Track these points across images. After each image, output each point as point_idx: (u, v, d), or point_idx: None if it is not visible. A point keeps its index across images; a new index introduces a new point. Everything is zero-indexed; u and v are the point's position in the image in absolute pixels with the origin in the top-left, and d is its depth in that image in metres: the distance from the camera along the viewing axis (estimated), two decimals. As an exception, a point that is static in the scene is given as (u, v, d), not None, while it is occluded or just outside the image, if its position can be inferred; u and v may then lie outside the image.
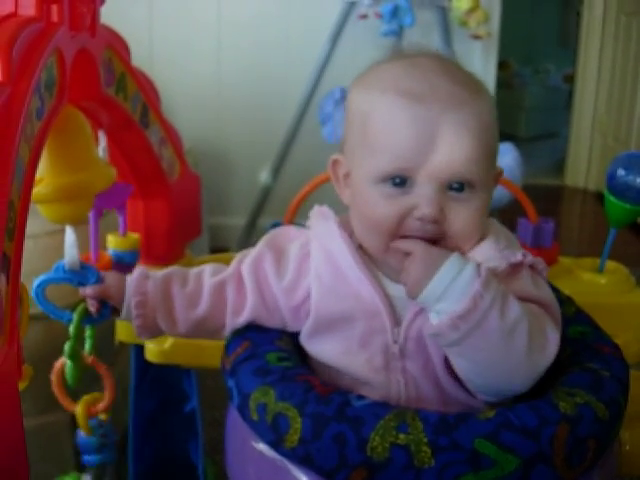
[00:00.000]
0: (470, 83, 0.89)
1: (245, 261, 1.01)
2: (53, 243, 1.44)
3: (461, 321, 0.80)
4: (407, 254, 0.86)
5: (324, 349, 0.97)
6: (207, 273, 1.02)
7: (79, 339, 1.03)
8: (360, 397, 0.83)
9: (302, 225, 1.04)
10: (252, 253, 1.01)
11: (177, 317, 1.00)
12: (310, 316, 0.96)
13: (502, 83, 4.58)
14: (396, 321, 0.92)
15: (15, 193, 0.70)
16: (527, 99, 6.38)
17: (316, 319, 0.95)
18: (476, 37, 2.95)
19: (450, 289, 0.81)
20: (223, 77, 3.13)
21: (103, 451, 1.13)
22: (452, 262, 0.82)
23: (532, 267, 0.90)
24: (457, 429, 0.78)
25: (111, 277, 1.02)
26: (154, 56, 3.02)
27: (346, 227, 0.96)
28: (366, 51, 2.98)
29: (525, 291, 0.87)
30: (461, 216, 0.86)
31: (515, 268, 0.88)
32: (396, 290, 0.92)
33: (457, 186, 0.85)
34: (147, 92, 1.25)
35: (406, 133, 0.84)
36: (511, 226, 1.67)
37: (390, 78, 0.89)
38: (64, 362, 1.05)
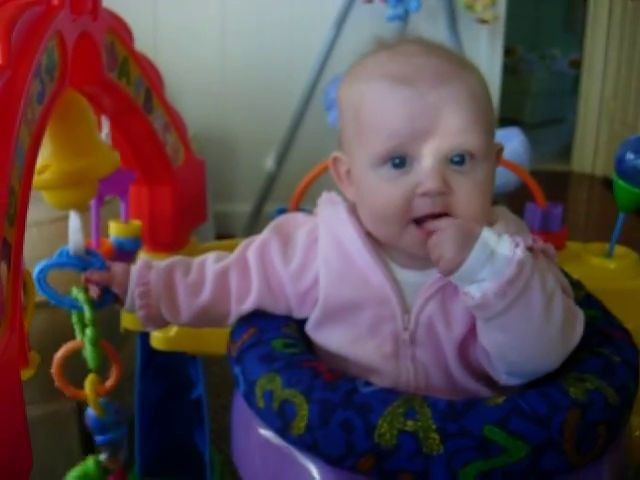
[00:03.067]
0: (455, 59, 0.89)
1: (251, 247, 1.00)
2: (57, 230, 1.43)
3: (509, 287, 0.78)
4: (429, 234, 0.84)
5: (332, 337, 0.96)
6: (210, 261, 1.02)
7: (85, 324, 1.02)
8: (367, 384, 0.83)
9: (309, 212, 1.04)
10: (258, 239, 1.00)
11: (180, 306, 1.00)
12: (318, 303, 0.95)
13: (508, 69, 4.56)
14: (406, 308, 0.91)
15: (16, 178, 0.69)
16: (533, 85, 6.35)
17: (324, 306, 0.95)
18: (482, 21, 2.93)
19: (495, 255, 0.80)
20: (227, 63, 3.12)
21: (117, 428, 1.12)
22: (488, 233, 0.81)
23: (544, 253, 0.88)
24: (466, 415, 0.77)
25: (117, 266, 1.02)
26: (158, 42, 3.00)
27: (355, 213, 0.95)
28: (371, 36, 2.97)
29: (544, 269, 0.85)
30: (466, 188, 0.85)
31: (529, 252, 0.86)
32: (405, 276, 0.92)
33: (458, 159, 0.85)
34: (150, 77, 1.24)
35: (396, 112, 0.84)
36: (519, 211, 1.66)
37: (374, 66, 0.90)
38: (69, 350, 1.04)
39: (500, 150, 0.94)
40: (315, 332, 0.98)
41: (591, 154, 4.70)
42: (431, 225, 0.85)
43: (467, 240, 0.80)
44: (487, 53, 3.09)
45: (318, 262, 0.95)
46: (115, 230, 1.32)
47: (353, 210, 0.95)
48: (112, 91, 1.11)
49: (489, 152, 0.88)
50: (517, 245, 0.80)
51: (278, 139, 3.00)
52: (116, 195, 1.32)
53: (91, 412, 1.09)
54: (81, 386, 1.05)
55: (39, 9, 0.82)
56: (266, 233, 1.01)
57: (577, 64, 5.41)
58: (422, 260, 0.89)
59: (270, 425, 0.87)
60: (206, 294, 0.99)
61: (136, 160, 1.30)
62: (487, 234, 0.81)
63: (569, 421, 0.78)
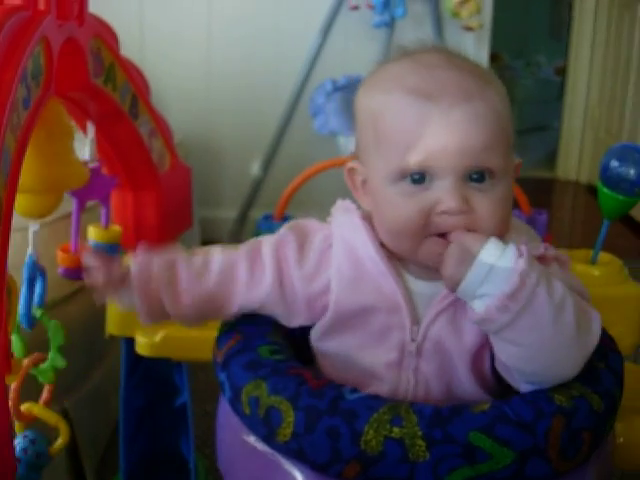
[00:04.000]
0: (478, 74, 0.88)
1: (266, 242, 0.99)
2: (43, 236, 1.43)
3: (511, 301, 0.79)
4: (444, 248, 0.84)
5: (339, 344, 0.96)
6: (216, 250, 1.00)
7: None
8: (354, 390, 0.83)
9: (293, 218, 1.03)
10: (274, 236, 0.99)
11: (183, 292, 0.96)
12: (329, 311, 0.95)
13: (494, 75, 4.58)
14: (416, 319, 0.91)
15: (1, 184, 0.69)
16: (519, 91, 6.37)
17: (335, 313, 0.94)
18: (468, 29, 2.95)
19: (494, 271, 0.80)
20: (213, 69, 3.12)
21: (29, 469, 1.09)
22: (492, 244, 0.81)
23: (556, 260, 0.89)
24: (451, 422, 0.78)
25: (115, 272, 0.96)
26: (145, 48, 3.00)
27: (369, 219, 0.94)
28: (358, 43, 2.98)
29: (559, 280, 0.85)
30: (486, 206, 0.84)
31: (542, 261, 0.86)
32: (418, 286, 0.92)
33: (477, 176, 0.84)
34: (136, 82, 1.25)
35: (418, 128, 0.83)
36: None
37: (396, 77, 0.88)
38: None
39: (519, 165, 0.93)
40: (322, 339, 0.98)
41: (576, 161, 4.73)
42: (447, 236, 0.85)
43: (464, 257, 0.81)
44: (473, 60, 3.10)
45: (331, 269, 0.94)
46: (95, 235, 1.31)
47: (367, 217, 0.94)
48: (98, 97, 1.12)
49: (509, 169, 0.88)
50: (521, 255, 0.80)
51: (264, 145, 3.01)
52: (97, 200, 1.32)
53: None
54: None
55: (25, 14, 0.82)
56: (284, 231, 0.99)
57: (563, 71, 5.44)
58: (436, 272, 0.87)
59: (256, 432, 0.87)
60: (212, 279, 0.97)
61: (121, 165, 1.31)
62: (487, 249, 0.81)
63: (554, 427, 0.79)
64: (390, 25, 2.85)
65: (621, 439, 1.00)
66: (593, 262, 1.43)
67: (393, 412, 0.79)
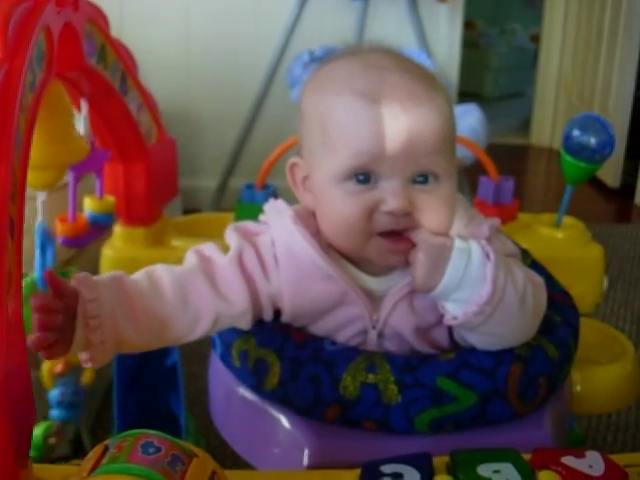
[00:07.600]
0: (426, 78, 0.89)
1: (221, 257, 0.94)
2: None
3: (486, 305, 0.83)
4: (397, 243, 0.86)
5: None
6: (159, 268, 0.92)
7: None
8: (333, 343, 0.92)
9: (269, 193, 1.03)
10: (232, 250, 0.94)
11: (141, 314, 0.87)
12: (284, 314, 0.95)
13: (468, 43, 4.62)
14: (373, 308, 0.92)
15: (16, 161, 0.75)
16: (493, 59, 6.40)
17: (290, 317, 0.95)
18: (441, 0, 2.99)
19: (465, 278, 0.83)
20: (191, 36, 3.13)
21: (71, 409, 1.19)
22: (459, 250, 0.84)
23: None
24: (420, 369, 0.86)
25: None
26: (124, 18, 3.02)
27: (304, 221, 0.93)
28: (334, 15, 3.02)
29: (501, 252, 0.89)
30: (432, 206, 0.86)
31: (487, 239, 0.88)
32: (373, 284, 0.93)
33: (421, 179, 0.86)
34: (125, 60, 1.31)
35: (367, 132, 0.84)
36: (473, 184, 1.74)
37: (345, 78, 0.88)
38: None
39: (457, 163, 0.93)
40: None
41: (549, 127, 4.79)
42: (406, 236, 0.86)
43: (435, 265, 0.84)
44: (447, 29, 3.14)
45: (281, 274, 0.93)
46: (90, 206, 1.39)
47: (299, 218, 0.93)
48: (91, 76, 1.18)
49: (452, 170, 0.89)
50: (488, 257, 0.84)
51: (243, 114, 3.04)
52: (92, 173, 1.39)
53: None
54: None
55: (29, 4, 0.88)
56: (237, 241, 0.95)
57: (538, 38, 5.48)
58: (387, 268, 0.91)
59: (245, 382, 0.95)
60: (170, 297, 0.89)
61: (112, 139, 1.37)
62: (457, 252, 0.84)
63: (512, 373, 0.87)
64: (366, -2, 2.90)
65: (578, 387, 1.08)
66: (557, 225, 1.51)
67: (368, 361, 0.87)
